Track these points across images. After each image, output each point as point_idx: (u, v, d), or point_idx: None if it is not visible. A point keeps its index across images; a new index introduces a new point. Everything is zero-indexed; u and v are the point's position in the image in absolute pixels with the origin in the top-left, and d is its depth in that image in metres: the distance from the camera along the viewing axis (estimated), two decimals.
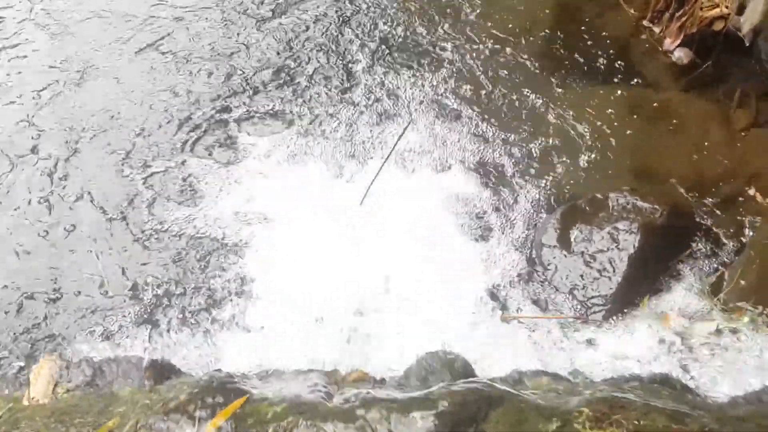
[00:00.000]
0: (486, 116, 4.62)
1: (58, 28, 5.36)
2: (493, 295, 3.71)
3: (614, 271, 3.62)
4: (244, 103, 4.78)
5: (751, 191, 4.11)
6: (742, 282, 3.53)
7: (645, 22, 5.07)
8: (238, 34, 5.28)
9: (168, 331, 3.60)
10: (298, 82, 4.91)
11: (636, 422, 2.17)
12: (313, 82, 4.94)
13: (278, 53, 5.12)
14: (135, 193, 4.28)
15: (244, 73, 4.97)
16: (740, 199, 4.11)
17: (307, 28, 5.31)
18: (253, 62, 5.06)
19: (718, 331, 3.43)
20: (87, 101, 4.81)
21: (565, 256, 3.77)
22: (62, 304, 3.76)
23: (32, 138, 4.58)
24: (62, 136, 4.58)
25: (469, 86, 4.82)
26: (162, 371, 2.84)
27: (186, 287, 3.81)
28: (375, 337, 3.51)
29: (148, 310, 3.71)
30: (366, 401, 2.39)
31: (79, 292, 3.81)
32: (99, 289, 3.82)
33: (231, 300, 3.74)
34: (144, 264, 3.93)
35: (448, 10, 5.40)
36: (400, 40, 5.21)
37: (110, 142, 4.56)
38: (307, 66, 5.03)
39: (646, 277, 3.70)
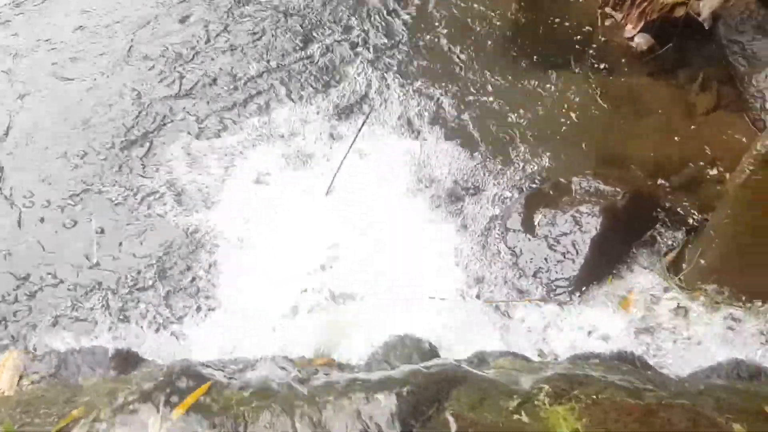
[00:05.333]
0: (448, 103, 4.64)
1: None
2: (458, 280, 3.74)
3: (577, 253, 3.67)
4: None
5: (713, 173, 4.18)
6: (702, 262, 3.59)
7: (607, 9, 5.12)
8: None
9: (134, 320, 3.58)
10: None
11: (594, 397, 2.23)
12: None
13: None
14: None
15: None
16: (701, 181, 4.17)
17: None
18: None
19: (678, 310, 3.50)
20: None
21: (530, 239, 3.81)
22: (27, 296, 3.73)
23: None
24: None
25: (430, 74, 4.84)
26: (127, 361, 2.84)
27: (151, 274, 3.79)
28: (343, 323, 3.53)
29: (114, 300, 3.68)
30: (331, 385, 2.41)
31: (45, 283, 3.78)
32: (65, 279, 3.79)
33: (198, 288, 3.74)
34: (109, 251, 3.92)
35: None
36: (363, 24, 5.22)
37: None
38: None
39: (608, 258, 3.76)
